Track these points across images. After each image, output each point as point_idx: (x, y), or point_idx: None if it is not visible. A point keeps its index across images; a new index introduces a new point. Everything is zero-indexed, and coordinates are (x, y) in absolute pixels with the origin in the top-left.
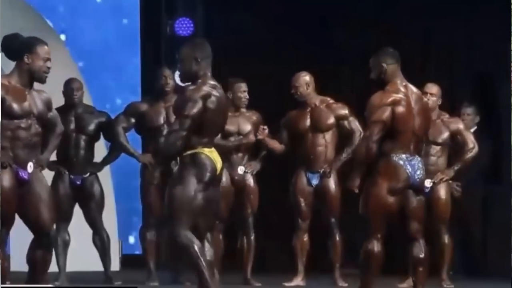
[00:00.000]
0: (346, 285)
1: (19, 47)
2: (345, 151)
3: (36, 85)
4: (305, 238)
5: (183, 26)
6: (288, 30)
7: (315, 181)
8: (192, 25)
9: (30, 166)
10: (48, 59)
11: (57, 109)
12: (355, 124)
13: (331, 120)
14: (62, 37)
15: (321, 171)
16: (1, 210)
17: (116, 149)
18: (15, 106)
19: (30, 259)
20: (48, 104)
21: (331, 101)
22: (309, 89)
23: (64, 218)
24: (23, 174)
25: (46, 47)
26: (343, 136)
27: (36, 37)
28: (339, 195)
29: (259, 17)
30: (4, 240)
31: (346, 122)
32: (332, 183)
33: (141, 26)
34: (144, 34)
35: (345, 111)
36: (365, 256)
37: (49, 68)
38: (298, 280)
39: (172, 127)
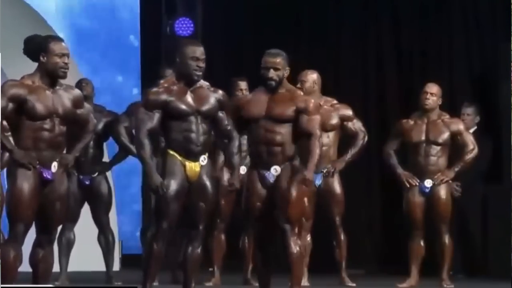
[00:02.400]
0: (354, 285)
1: (35, 48)
2: (349, 152)
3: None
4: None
5: (183, 26)
6: (289, 30)
7: (318, 181)
8: (192, 25)
9: (54, 166)
10: (64, 55)
11: None
12: (359, 125)
13: (335, 120)
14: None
15: (324, 171)
16: (21, 211)
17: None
18: (38, 106)
19: (32, 261)
20: (76, 101)
21: (335, 101)
22: (315, 87)
23: (71, 218)
24: (47, 174)
25: (61, 43)
26: (346, 137)
27: (51, 35)
28: (344, 195)
29: (259, 17)
30: (22, 240)
31: (350, 123)
32: (336, 183)
33: (141, 26)
34: (144, 34)
35: (349, 112)
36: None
37: (66, 63)
38: (304, 281)
39: None
